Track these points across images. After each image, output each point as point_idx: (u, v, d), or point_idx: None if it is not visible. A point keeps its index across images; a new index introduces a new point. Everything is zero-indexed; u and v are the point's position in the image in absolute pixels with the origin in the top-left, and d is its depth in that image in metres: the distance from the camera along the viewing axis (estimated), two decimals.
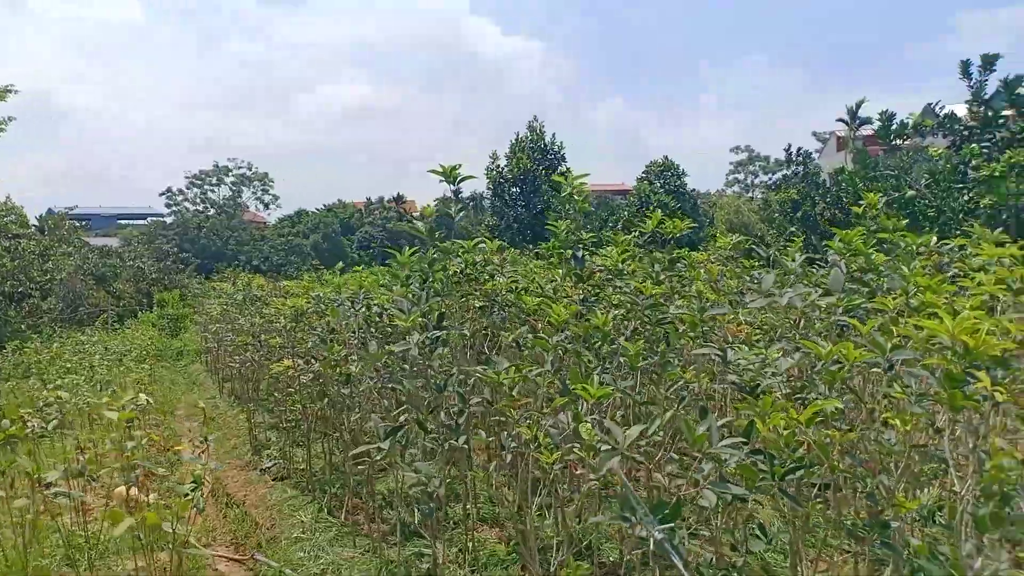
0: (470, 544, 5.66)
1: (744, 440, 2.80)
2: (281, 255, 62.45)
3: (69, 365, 13.95)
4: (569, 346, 3.52)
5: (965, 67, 21.40)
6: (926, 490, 3.02)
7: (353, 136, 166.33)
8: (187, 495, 4.38)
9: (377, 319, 5.78)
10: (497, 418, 4.45)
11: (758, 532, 2.77)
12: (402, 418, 4.15)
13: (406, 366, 4.23)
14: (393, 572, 5.60)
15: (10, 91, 15.64)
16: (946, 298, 3.74)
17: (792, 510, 2.73)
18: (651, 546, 2.31)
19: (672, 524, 2.34)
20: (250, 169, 77.34)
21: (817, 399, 3.12)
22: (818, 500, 3.05)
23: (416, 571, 5.57)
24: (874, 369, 3.28)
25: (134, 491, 7.96)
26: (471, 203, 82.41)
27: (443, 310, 4.46)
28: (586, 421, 3.06)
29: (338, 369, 6.39)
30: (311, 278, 13.51)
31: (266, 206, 79.18)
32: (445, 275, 4.79)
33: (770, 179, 76.79)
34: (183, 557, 6.45)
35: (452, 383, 3.92)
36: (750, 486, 2.65)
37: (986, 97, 20.64)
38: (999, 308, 3.88)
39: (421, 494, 3.77)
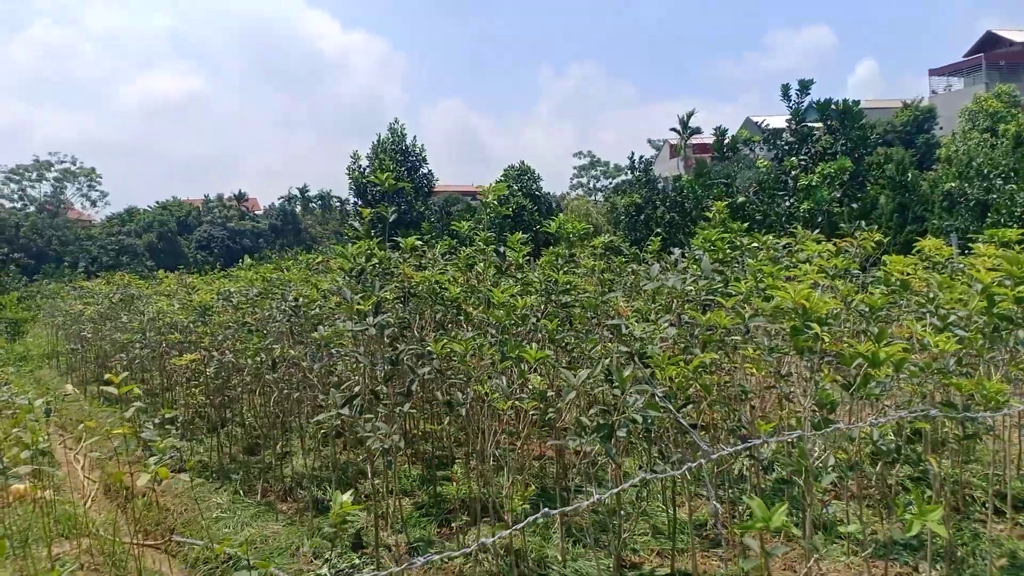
0: (390, 510, 6.36)
1: (648, 384, 3.79)
2: (112, 255, 58.79)
3: None
4: (506, 323, 4.38)
5: (785, 90, 24.42)
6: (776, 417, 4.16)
7: (183, 131, 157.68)
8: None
9: (305, 308, 6.36)
10: (448, 382, 5.20)
11: (659, 457, 3.76)
12: (356, 389, 4.85)
13: (359, 347, 4.91)
14: (323, 535, 6.20)
15: None
16: (782, 281, 4.96)
17: (685, 436, 3.74)
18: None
19: (610, 438, 3.27)
20: (74, 164, 72.02)
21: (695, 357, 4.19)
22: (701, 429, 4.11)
23: (343, 533, 6.21)
24: (735, 337, 4.38)
25: (27, 488, 8.05)
26: (319, 201, 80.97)
27: (381, 297, 5.19)
28: (529, 376, 3.95)
29: (259, 357, 6.90)
30: (168, 281, 13.51)
31: (93, 204, 74.03)
32: (378, 268, 5.51)
33: (611, 183, 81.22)
34: (104, 543, 6.71)
35: (402, 357, 4.67)
36: (655, 416, 3.63)
37: (802, 117, 23.73)
38: (819, 289, 5.16)
39: (379, 450, 4.49)
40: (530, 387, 3.74)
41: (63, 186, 70.32)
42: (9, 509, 7.12)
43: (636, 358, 4.75)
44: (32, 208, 65.67)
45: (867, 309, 4.72)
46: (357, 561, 5.67)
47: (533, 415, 4.12)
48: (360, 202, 32.48)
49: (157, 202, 69.96)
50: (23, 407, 7.39)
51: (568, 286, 5.08)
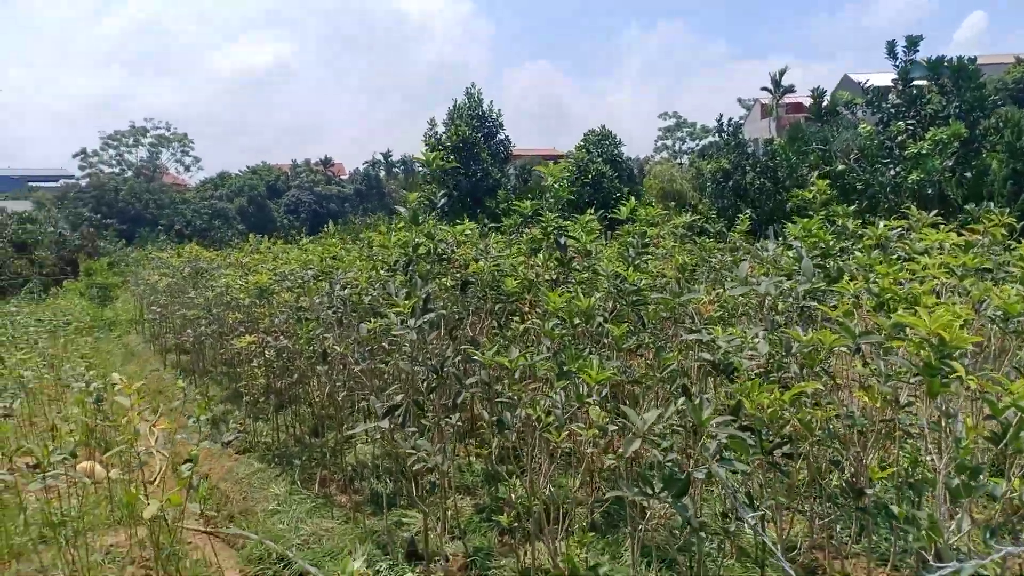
0: (448, 512, 5.92)
1: (733, 418, 3.14)
2: (205, 219, 60.60)
3: (4, 338, 13.51)
4: (563, 331, 3.78)
5: (891, 47, 22.40)
6: (895, 461, 3.43)
7: (272, 98, 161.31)
8: (186, 475, 4.47)
9: (355, 299, 5.92)
10: (497, 399, 4.69)
11: (746, 500, 3.12)
12: (398, 397, 4.36)
13: (405, 347, 4.42)
14: (377, 540, 5.83)
15: None
16: (900, 282, 4.16)
17: (778, 479, 3.08)
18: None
19: (684, 496, 2.65)
20: (168, 130, 74.49)
21: (791, 378, 3.48)
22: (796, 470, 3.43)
23: (398, 538, 5.81)
24: (841, 349, 3.65)
25: (98, 467, 7.96)
26: (403, 166, 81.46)
27: (429, 294, 4.65)
28: (589, 402, 3.35)
29: (311, 346, 6.52)
30: (246, 249, 13.41)
31: (187, 168, 76.61)
32: (428, 259, 4.98)
33: (697, 145, 78.50)
34: (162, 532, 6.54)
35: (448, 365, 4.14)
36: (742, 459, 2.98)
37: (909, 77, 21.73)
38: (943, 292, 4.33)
39: (424, 469, 4.01)
40: (591, 416, 3.14)
41: (158, 151, 72.95)
42: (74, 489, 7.04)
43: (719, 371, 4.08)
44: (129, 173, 68.33)
45: (1000, 314, 3.90)
46: (410, 575, 5.25)
47: (592, 452, 3.55)
48: (436, 170, 32.02)
49: (247, 167, 71.75)
50: (82, 391, 7.29)
51: (639, 285, 4.41)
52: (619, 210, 5.28)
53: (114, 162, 70.54)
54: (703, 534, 3.89)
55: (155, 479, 8.70)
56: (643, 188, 31.10)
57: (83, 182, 64.74)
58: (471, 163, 28.02)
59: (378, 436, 7.57)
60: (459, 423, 5.75)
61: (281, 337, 7.16)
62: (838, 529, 4.85)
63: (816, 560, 4.94)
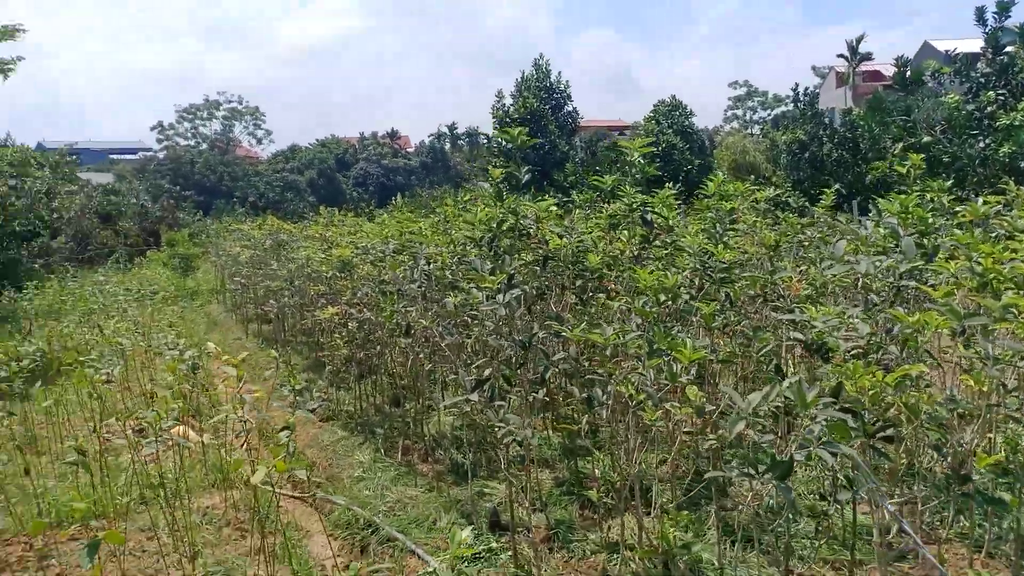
0: (529, 485, 6.02)
1: (833, 400, 3.11)
2: (277, 191, 62.02)
3: (96, 306, 14.20)
4: (654, 309, 3.79)
5: (980, 13, 21.23)
6: (991, 445, 3.36)
7: (340, 70, 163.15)
8: (283, 442, 4.66)
9: (439, 273, 6.03)
10: (587, 375, 4.74)
11: (845, 483, 3.10)
12: (486, 372, 4.45)
13: (488, 323, 4.51)
14: (461, 509, 5.98)
15: (19, 30, 15.40)
16: (1003, 262, 4.01)
17: (880, 463, 3.06)
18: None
19: (787, 477, 2.66)
20: (240, 103, 76.28)
21: (891, 360, 3.43)
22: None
23: (481, 508, 5.96)
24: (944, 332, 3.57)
25: (191, 432, 8.35)
26: (467, 138, 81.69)
27: (514, 270, 4.71)
28: (682, 381, 3.37)
29: (394, 319, 6.68)
30: (322, 222, 13.71)
31: (259, 141, 78.43)
32: (510, 235, 5.03)
33: (769, 115, 76.29)
34: (254, 496, 6.85)
35: (535, 340, 4.20)
36: (842, 442, 2.96)
37: (1000, 44, 20.55)
38: None
39: (512, 443, 4.10)
40: (684, 395, 3.16)
41: (231, 124, 74.82)
42: (170, 453, 7.40)
43: (813, 351, 4.04)
44: (204, 145, 70.30)
45: None
46: (494, 544, 5.38)
47: (687, 432, 3.57)
48: (503, 142, 32.10)
49: (317, 140, 73.02)
50: (174, 359, 7.64)
51: (727, 262, 4.38)
52: (705, 185, 5.21)
53: (189, 135, 72.73)
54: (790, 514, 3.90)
55: (244, 444, 9.10)
56: (714, 160, 30.49)
57: (160, 155, 66.99)
58: (539, 136, 27.89)
59: (461, 408, 7.75)
60: (547, 398, 5.84)
61: (364, 309, 7.34)
62: (927, 515, 4.77)
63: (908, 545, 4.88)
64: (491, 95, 32.45)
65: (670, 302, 4.22)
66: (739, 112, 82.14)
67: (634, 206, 4.80)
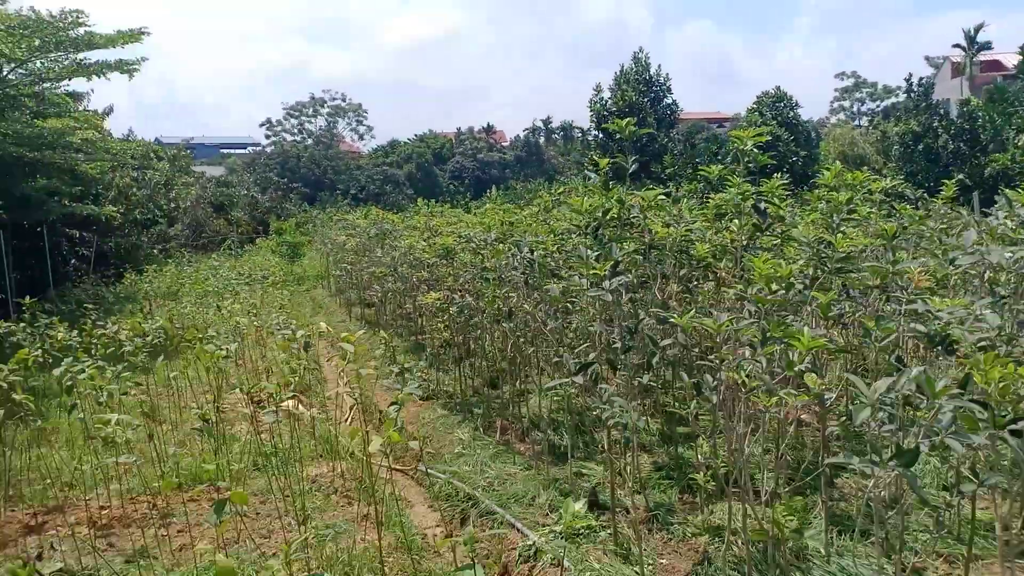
0: (628, 468, 6.03)
1: (961, 391, 3.02)
2: (377, 184, 63.65)
3: (210, 289, 15.00)
4: (768, 298, 3.75)
5: None
6: None
7: (438, 66, 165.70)
8: (392, 416, 4.84)
9: (541, 260, 6.12)
10: (695, 361, 4.75)
11: (969, 475, 3.01)
12: (591, 356, 4.52)
13: (590, 309, 4.57)
14: (560, 488, 6.07)
15: (144, 33, 16.39)
16: None
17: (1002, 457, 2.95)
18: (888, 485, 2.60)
19: (912, 466, 2.62)
20: (344, 100, 78.63)
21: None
22: None
23: (579, 488, 6.03)
24: None
25: (301, 406, 8.76)
26: (561, 132, 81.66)
27: (619, 258, 4.75)
28: (799, 369, 3.34)
29: (497, 304, 6.83)
30: (422, 213, 14.04)
31: (360, 136, 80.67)
32: (613, 224, 5.06)
33: (878, 106, 72.94)
34: (360, 467, 7.16)
35: (642, 327, 4.23)
36: (971, 434, 2.88)
37: None
38: None
39: (614, 425, 4.15)
40: (802, 382, 3.14)
41: (335, 121, 77.24)
42: (280, 426, 7.79)
43: (936, 343, 3.91)
44: (309, 141, 72.84)
45: None
46: (593, 523, 5.44)
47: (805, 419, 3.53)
48: (601, 135, 31.90)
49: (415, 135, 74.52)
50: (287, 337, 8.01)
51: (846, 252, 4.28)
52: (813, 176, 5.10)
53: (295, 131, 75.47)
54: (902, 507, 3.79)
55: (347, 419, 9.48)
56: (820, 152, 29.43)
57: (268, 149, 69.85)
58: (637, 128, 27.63)
59: (564, 391, 7.84)
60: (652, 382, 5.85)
61: (466, 295, 7.52)
62: None
63: None
64: (586, 89, 32.60)
65: (783, 291, 4.16)
66: (846, 103, 78.83)
67: (746, 195, 4.74)
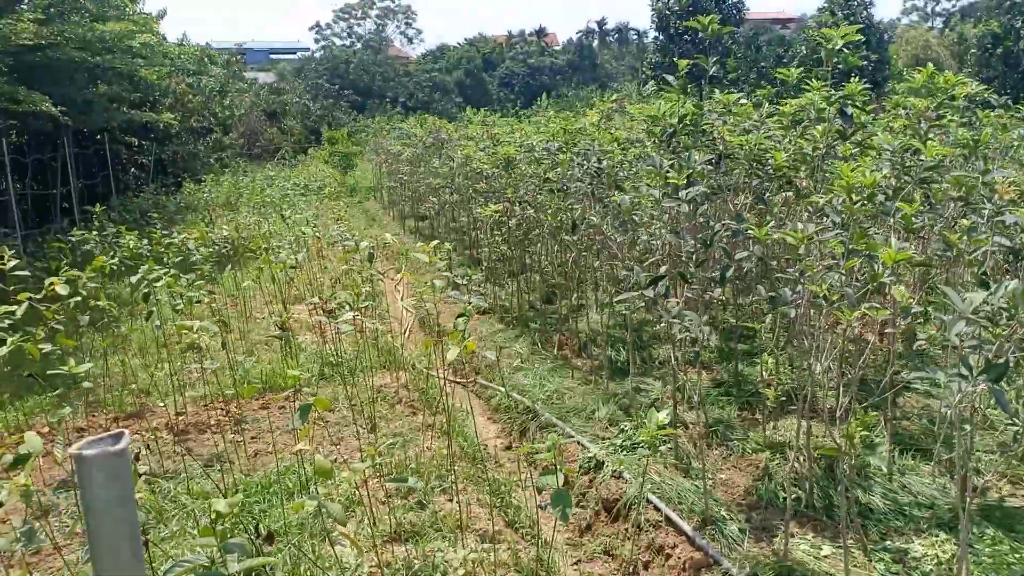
0: (686, 383, 6.02)
1: None
2: (426, 92, 62.74)
3: (268, 199, 15.14)
4: (851, 208, 3.59)
5: None
6: None
7: None
8: (460, 328, 4.87)
9: (609, 171, 5.98)
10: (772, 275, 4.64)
11: None
12: (662, 269, 4.44)
13: (659, 221, 4.46)
14: (619, 403, 6.11)
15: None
16: None
17: None
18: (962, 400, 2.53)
19: (1002, 380, 2.54)
20: (393, 1, 76.80)
21: None
22: None
23: (637, 402, 6.06)
24: None
25: (360, 318, 8.90)
26: (616, 35, 78.86)
27: (697, 167, 4.59)
28: (886, 281, 3.22)
29: (560, 217, 6.74)
30: (504, 121, 13.79)
31: (410, 40, 79.13)
32: (693, 129, 4.88)
33: (954, 6, 68.32)
34: (421, 378, 7.32)
35: (718, 239, 4.12)
36: None
37: None
38: None
39: (685, 339, 4.11)
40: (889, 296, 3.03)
41: (384, 23, 75.66)
42: (344, 337, 7.95)
43: (1021, 257, 3.74)
44: (359, 45, 71.74)
45: None
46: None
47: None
48: (662, 37, 30.56)
49: (465, 39, 72.81)
50: (350, 248, 8.08)
51: (935, 161, 4.06)
52: (911, 79, 4.80)
53: (345, 34, 74.25)
54: (967, 427, 3.71)
55: (406, 331, 9.65)
56: (891, 56, 27.86)
57: (318, 55, 69.06)
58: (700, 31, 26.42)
59: (633, 304, 7.80)
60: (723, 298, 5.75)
61: (527, 207, 7.43)
62: None
63: None
64: None
65: (866, 202, 3.99)
66: (919, 2, 74.00)
67: (832, 99, 4.50)
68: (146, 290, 6.06)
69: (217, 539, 2.42)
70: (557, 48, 77.70)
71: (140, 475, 3.12)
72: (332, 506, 2.63)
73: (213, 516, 2.41)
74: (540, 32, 77.07)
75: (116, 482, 1.40)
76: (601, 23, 79.15)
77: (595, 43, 77.97)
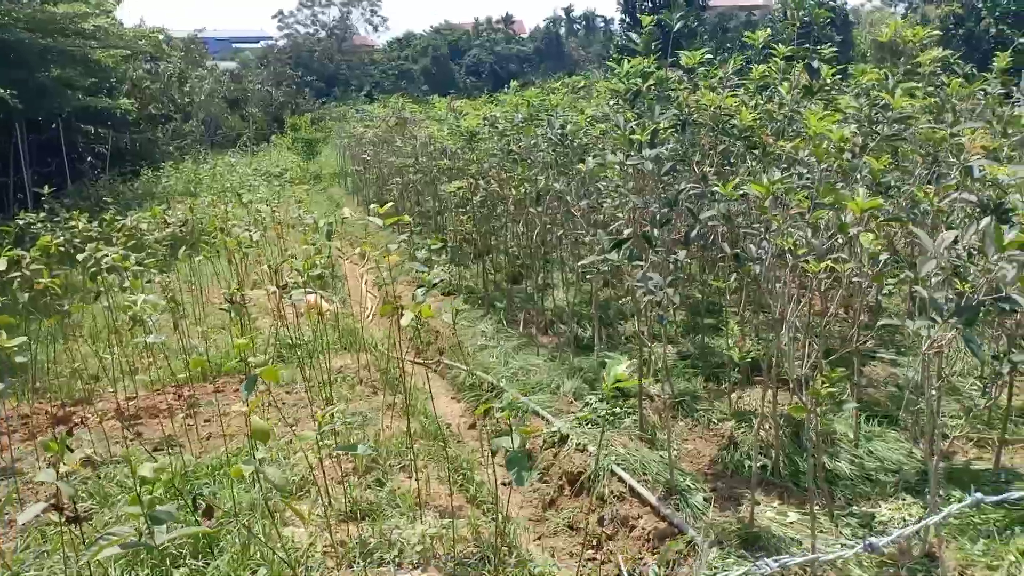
0: (651, 356, 5.91)
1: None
2: (391, 80, 62.14)
3: (228, 185, 14.79)
4: (824, 156, 3.47)
5: None
6: None
7: None
8: (420, 301, 4.68)
9: (573, 137, 5.82)
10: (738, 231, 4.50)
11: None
12: (626, 232, 4.30)
13: (626, 185, 4.31)
14: (584, 377, 5.98)
15: None
16: None
17: None
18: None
19: (974, 324, 2.43)
20: None
21: None
22: None
23: (601, 378, 5.93)
24: None
25: (318, 299, 8.66)
26: (583, 22, 78.65)
27: (660, 123, 4.46)
28: (853, 231, 3.11)
29: (524, 187, 6.57)
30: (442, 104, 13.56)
31: (375, 28, 78.51)
32: (657, 91, 4.75)
33: None
34: (381, 359, 7.11)
35: (681, 198, 3.99)
36: None
37: None
38: None
39: (650, 303, 3.98)
40: (860, 246, 2.92)
41: (348, 11, 74.73)
42: (302, 320, 7.73)
43: (988, 211, 3.65)
44: (323, 33, 70.82)
45: None
46: (618, 409, 5.38)
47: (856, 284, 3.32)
48: (628, 19, 30.46)
49: (431, 26, 72.22)
50: (310, 226, 7.84)
51: (904, 113, 3.96)
52: (881, 32, 4.72)
53: (309, 22, 73.21)
54: (933, 392, 3.63)
55: (369, 315, 9.43)
56: (855, 39, 28.04)
57: (281, 43, 68.03)
58: (665, 11, 26.42)
59: (598, 268, 7.65)
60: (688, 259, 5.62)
61: (492, 181, 7.25)
62: None
63: None
64: None
65: (834, 156, 3.88)
66: None
67: (799, 55, 4.39)
68: (93, 269, 5.79)
69: (143, 508, 2.22)
70: (524, 36, 77.38)
71: (78, 460, 2.91)
72: (270, 470, 2.44)
73: (138, 482, 2.22)
74: (507, 19, 76.60)
75: None
76: (568, 10, 78.93)
77: (562, 31, 77.75)
